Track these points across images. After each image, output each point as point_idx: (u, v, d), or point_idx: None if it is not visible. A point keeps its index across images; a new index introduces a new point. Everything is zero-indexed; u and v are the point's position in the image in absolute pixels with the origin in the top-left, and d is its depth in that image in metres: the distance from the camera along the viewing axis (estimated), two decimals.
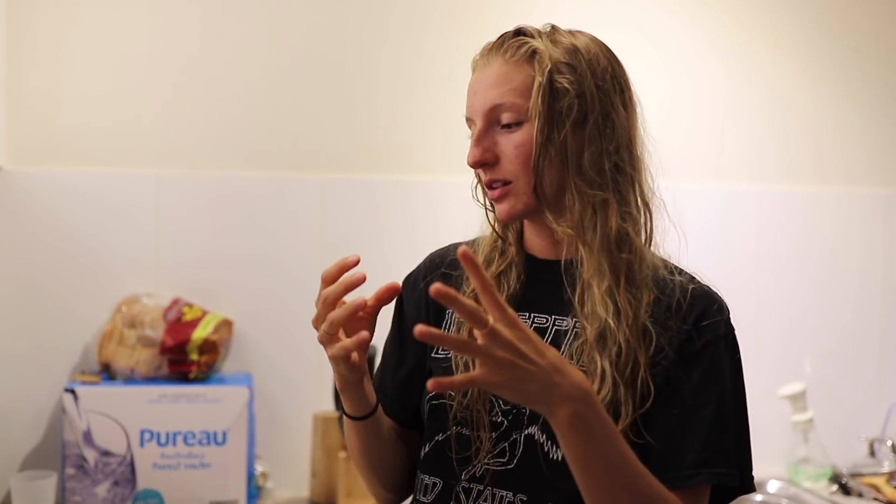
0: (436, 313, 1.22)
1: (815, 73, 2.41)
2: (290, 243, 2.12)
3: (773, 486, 2.19)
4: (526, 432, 1.09)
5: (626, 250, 1.10)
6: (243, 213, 2.10)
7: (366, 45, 2.16)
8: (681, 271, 1.14)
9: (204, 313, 1.99)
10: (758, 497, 2.13)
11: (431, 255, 1.28)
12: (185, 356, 1.93)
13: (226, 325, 2.01)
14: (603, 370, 1.06)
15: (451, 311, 1.16)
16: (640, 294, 1.09)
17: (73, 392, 1.84)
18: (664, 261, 1.14)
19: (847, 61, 2.43)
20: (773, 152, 2.41)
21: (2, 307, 2.00)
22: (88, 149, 2.06)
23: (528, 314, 1.14)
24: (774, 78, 2.39)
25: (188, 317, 1.98)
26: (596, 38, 1.15)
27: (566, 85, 1.08)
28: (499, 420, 1.11)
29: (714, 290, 1.13)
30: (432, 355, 1.21)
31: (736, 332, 1.12)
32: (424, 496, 1.17)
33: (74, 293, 2.03)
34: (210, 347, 1.94)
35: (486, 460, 1.11)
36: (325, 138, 2.15)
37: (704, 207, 2.32)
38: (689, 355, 1.08)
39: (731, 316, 1.13)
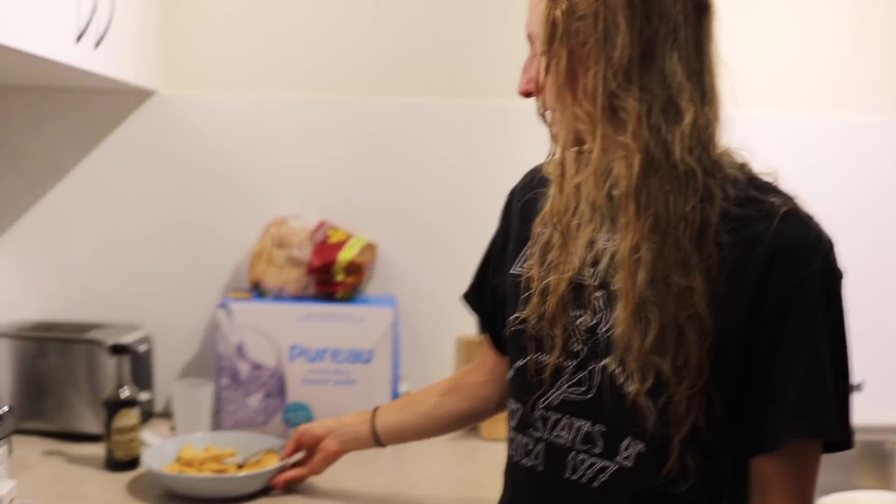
0: (523, 227, 1.21)
1: None
2: (434, 169, 2.13)
3: None
4: (602, 363, 1.07)
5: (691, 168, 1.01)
6: (387, 138, 2.13)
7: None
8: (774, 191, 1.05)
9: (349, 236, 2.04)
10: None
11: (531, 170, 1.28)
12: (331, 277, 1.98)
13: (370, 248, 2.05)
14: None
15: (537, 227, 1.15)
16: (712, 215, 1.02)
17: (226, 308, 1.92)
18: (751, 177, 1.06)
19: None
20: None
21: (158, 229, 2.10)
22: (238, 74, 2.12)
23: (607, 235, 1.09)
24: None
25: (333, 239, 2.02)
26: None
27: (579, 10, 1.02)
28: (577, 348, 1.09)
29: (811, 216, 1.04)
30: (511, 271, 1.21)
31: (844, 270, 1.04)
32: (511, 421, 1.18)
33: (226, 214, 2.11)
34: (355, 269, 1.98)
35: (563, 389, 1.10)
36: (473, 64, 2.14)
37: (825, 139, 2.20)
38: (774, 298, 1.01)
39: (833, 249, 1.03)
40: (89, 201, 2.09)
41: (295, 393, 1.94)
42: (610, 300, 1.06)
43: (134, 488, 1.64)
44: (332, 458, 1.59)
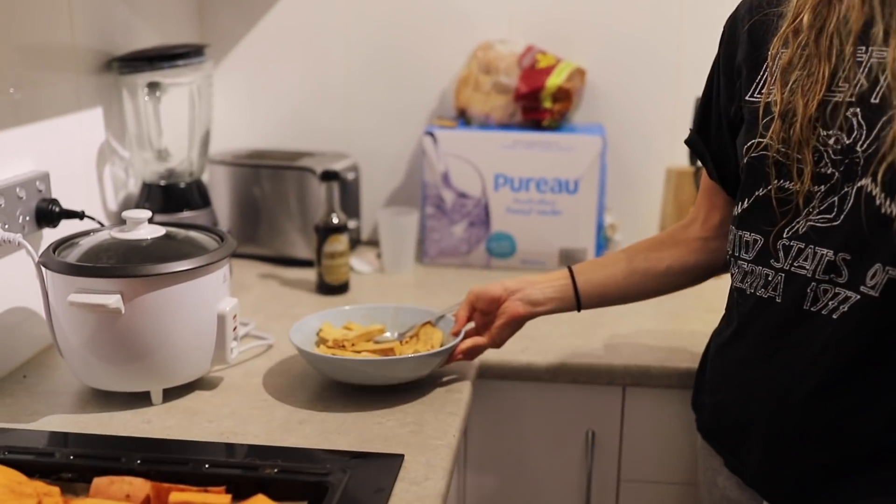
0: (754, 51, 1.12)
1: None
2: None
3: None
4: (858, 184, 0.98)
5: None
6: None
7: None
8: None
9: (557, 61, 1.94)
10: None
11: None
12: (539, 104, 1.90)
13: (579, 73, 1.95)
14: None
15: (774, 48, 1.07)
16: None
17: (432, 135, 1.90)
18: None
19: None
20: None
21: (366, 56, 2.07)
22: None
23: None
24: None
25: (542, 64, 1.93)
26: None
27: None
28: (828, 171, 1.01)
29: None
30: (746, 97, 1.12)
31: None
32: (745, 253, 1.12)
33: (431, 41, 2.05)
34: (563, 95, 1.90)
35: (810, 216, 1.02)
36: None
37: None
38: None
39: None
40: (300, 31, 2.08)
41: (499, 222, 1.91)
42: (869, 116, 0.98)
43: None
44: (518, 323, 1.35)
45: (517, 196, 1.89)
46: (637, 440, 1.51)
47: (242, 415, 1.26)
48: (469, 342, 1.35)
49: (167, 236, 1.33)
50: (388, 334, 1.42)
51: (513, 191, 1.89)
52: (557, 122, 1.91)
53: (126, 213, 1.31)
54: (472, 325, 1.39)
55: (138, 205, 1.72)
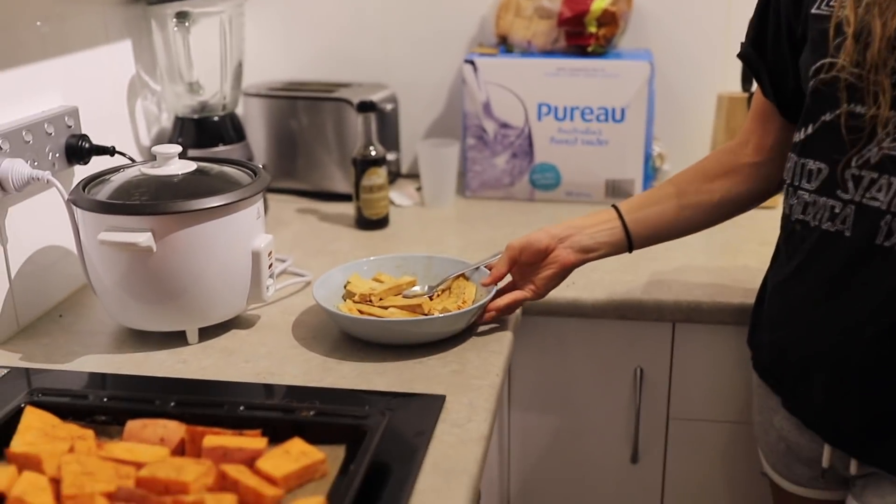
0: None
1: None
2: None
3: None
4: None
5: None
6: None
7: None
8: None
9: None
10: None
11: None
12: (583, 28, 1.82)
13: None
14: None
15: None
16: None
17: (472, 63, 1.82)
18: None
19: None
20: None
21: None
22: None
23: None
24: None
25: None
26: None
27: None
28: None
29: None
30: (812, 11, 1.03)
31: None
32: (807, 182, 1.05)
33: None
34: (609, 19, 1.81)
35: (884, 143, 0.95)
36: None
37: None
38: None
39: None
40: None
41: (542, 153, 1.84)
42: None
43: (382, 247, 1.64)
44: (566, 271, 1.26)
45: (561, 126, 1.82)
46: (687, 377, 1.46)
47: (279, 355, 1.23)
48: (508, 298, 1.27)
49: (199, 171, 1.29)
50: (417, 288, 1.34)
51: (557, 120, 1.82)
52: (603, 48, 1.83)
53: (156, 149, 1.27)
54: (508, 279, 1.30)
55: (171, 140, 1.68)
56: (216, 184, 1.26)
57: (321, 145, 1.89)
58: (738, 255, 1.56)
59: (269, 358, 1.22)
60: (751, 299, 1.25)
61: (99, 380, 1.17)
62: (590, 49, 1.82)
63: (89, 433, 0.98)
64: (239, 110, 1.82)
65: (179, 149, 1.27)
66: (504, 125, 1.84)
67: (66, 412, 1.02)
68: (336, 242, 1.66)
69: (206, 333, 1.28)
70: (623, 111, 1.79)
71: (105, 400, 1.05)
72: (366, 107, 1.67)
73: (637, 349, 1.45)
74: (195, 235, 1.19)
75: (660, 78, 1.90)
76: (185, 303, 1.22)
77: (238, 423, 0.99)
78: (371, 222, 1.72)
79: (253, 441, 0.95)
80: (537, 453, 1.53)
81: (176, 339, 1.26)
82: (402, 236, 1.69)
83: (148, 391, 1.12)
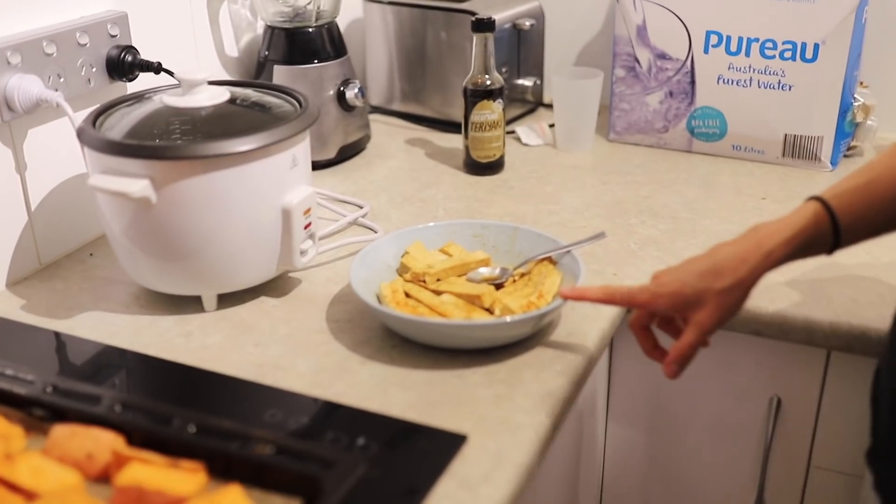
0: None
1: None
2: None
3: None
4: None
5: None
6: None
7: None
8: None
9: None
10: None
11: None
12: None
13: None
14: None
15: None
16: None
17: None
18: None
19: None
20: None
21: None
22: None
23: None
24: None
25: None
26: None
27: None
28: None
29: None
30: None
31: None
32: None
33: None
34: None
35: None
36: None
37: None
38: None
39: None
40: None
41: (706, 95, 1.48)
42: None
43: (485, 199, 1.36)
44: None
45: (733, 61, 1.44)
46: (839, 419, 1.10)
47: (299, 340, 0.99)
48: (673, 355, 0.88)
49: (232, 102, 1.05)
50: (486, 270, 1.05)
51: (728, 54, 1.44)
52: None
53: (180, 74, 1.04)
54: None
55: (261, 53, 1.45)
56: (243, 122, 1.03)
57: (450, 64, 1.60)
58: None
59: (286, 343, 0.99)
60: None
61: (73, 352, 0.99)
62: None
63: (17, 431, 0.80)
64: (350, 19, 1.56)
65: (207, 75, 1.04)
66: (661, 56, 1.48)
67: (2, 398, 0.84)
68: (433, 188, 1.40)
69: (230, 299, 1.07)
70: (816, 48, 1.38)
71: (49, 390, 0.85)
72: (482, 26, 1.37)
73: (776, 375, 1.11)
74: (205, 186, 0.97)
75: (874, 3, 1.47)
76: (197, 265, 1.01)
77: (181, 449, 0.77)
78: (480, 166, 1.44)
79: (183, 481, 0.73)
80: (637, 484, 1.24)
81: (191, 303, 1.06)
82: (513, 186, 1.40)
83: (107, 381, 0.94)
